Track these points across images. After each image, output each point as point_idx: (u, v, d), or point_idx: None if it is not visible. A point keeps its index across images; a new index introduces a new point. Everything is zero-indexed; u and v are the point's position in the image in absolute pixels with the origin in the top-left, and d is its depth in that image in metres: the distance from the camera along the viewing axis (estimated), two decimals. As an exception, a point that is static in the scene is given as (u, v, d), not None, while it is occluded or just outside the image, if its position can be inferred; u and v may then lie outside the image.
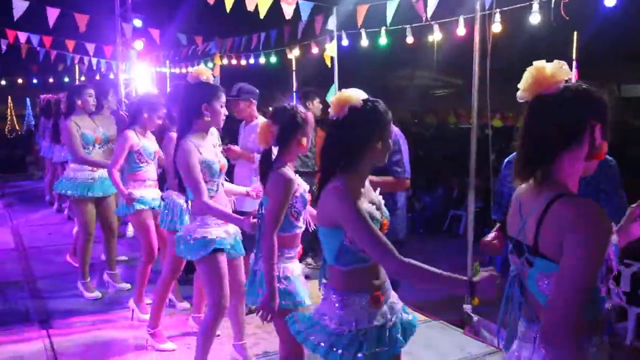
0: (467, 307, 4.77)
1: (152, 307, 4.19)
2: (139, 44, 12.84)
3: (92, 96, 5.17)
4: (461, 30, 5.24)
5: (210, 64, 9.27)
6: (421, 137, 15.76)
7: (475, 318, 4.67)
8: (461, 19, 5.25)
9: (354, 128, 2.18)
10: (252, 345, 4.03)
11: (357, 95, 2.22)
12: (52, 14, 7.03)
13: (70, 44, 10.18)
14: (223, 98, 3.35)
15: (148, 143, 4.55)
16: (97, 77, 14.92)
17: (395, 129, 3.71)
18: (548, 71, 1.74)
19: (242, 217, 3.11)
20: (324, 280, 2.37)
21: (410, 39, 5.72)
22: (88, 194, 5.13)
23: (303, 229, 2.99)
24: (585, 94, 1.73)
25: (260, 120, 3.12)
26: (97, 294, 5.20)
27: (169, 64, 11.57)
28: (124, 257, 6.30)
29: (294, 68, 7.40)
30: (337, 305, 2.22)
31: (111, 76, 13.96)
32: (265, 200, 2.86)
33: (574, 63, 4.62)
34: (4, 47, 9.93)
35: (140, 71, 12.64)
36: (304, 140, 2.88)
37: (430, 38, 5.92)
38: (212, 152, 3.41)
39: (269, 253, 2.73)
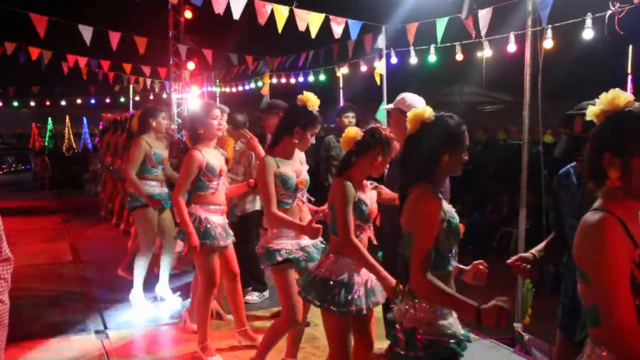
0: (518, 326, 4.68)
1: (197, 321, 4.29)
2: (190, 65, 13.33)
3: (165, 119, 5.42)
4: (512, 47, 5.21)
5: (260, 83, 9.47)
6: (470, 153, 15.52)
7: (527, 337, 4.58)
8: (512, 36, 5.22)
9: (426, 142, 2.32)
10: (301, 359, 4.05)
11: (430, 111, 2.37)
12: (114, 37, 7.35)
13: (128, 66, 10.60)
14: (316, 129, 3.52)
15: (213, 159, 4.19)
16: (151, 97, 15.41)
17: None
18: (621, 101, 1.78)
19: (304, 225, 3.33)
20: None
21: (459, 56, 5.72)
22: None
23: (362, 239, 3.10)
24: None
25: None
26: (150, 305, 5.34)
27: (219, 83, 11.86)
28: (175, 270, 6.44)
29: (341, 86, 7.49)
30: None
31: (164, 96, 14.47)
32: (330, 205, 3.03)
33: (630, 77, 4.54)
34: (65, 70, 10.43)
35: (192, 91, 13.09)
36: (379, 158, 3.01)
37: (480, 54, 5.90)
38: (293, 168, 3.56)
39: (361, 254, 2.89)
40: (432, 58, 5.79)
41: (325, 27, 5.60)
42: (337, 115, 5.62)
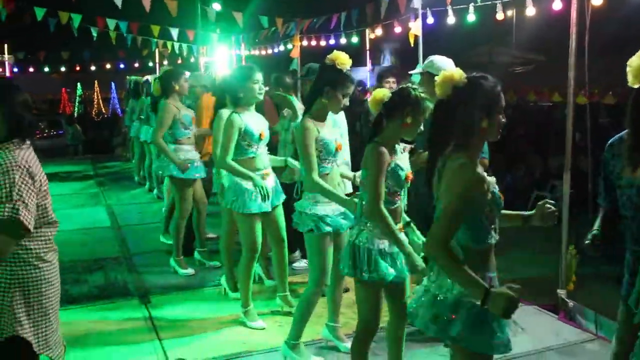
0: (562, 292, 4.62)
1: (239, 286, 4.33)
2: (217, 28, 13.19)
3: (187, 81, 5.39)
4: (557, 4, 4.99)
5: (289, 45, 9.32)
6: (506, 116, 15.15)
7: (571, 303, 4.52)
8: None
9: (460, 108, 2.18)
10: (342, 324, 4.07)
11: (459, 74, 2.21)
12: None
13: (156, 29, 10.53)
14: (347, 90, 3.39)
15: (253, 123, 4.09)
16: (179, 62, 15.36)
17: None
18: None
19: (346, 198, 3.26)
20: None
21: (500, 15, 5.51)
22: (195, 175, 5.31)
23: (398, 205, 3.01)
24: None
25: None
26: (190, 270, 5.41)
27: (244, 46, 11.73)
28: (212, 235, 6.50)
29: (367, 47, 7.22)
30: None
31: (192, 59, 14.42)
32: (363, 172, 2.93)
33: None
34: (94, 35, 10.41)
35: (219, 54, 12.99)
36: (409, 120, 2.87)
37: (510, 13, 5.66)
38: (330, 132, 3.48)
39: (388, 225, 2.81)
40: (471, 17, 5.58)
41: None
42: (377, 80, 5.49)
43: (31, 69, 19.99)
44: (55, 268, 2.54)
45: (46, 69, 19.58)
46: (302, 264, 5.40)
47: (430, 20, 5.80)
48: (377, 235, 2.89)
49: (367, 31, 7.17)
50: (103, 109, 26.78)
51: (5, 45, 20.57)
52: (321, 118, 3.45)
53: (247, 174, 3.99)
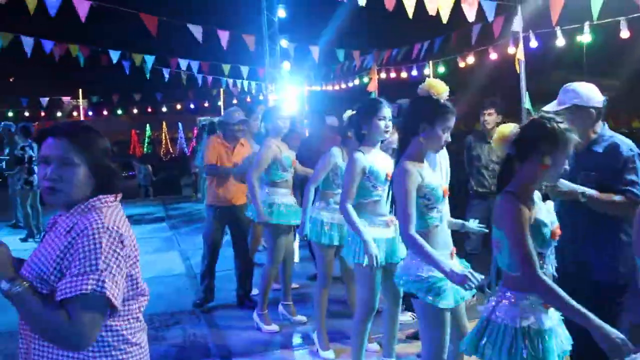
0: None
1: (352, 349, 3.80)
2: (286, 64, 13.03)
3: (256, 120, 5.14)
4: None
5: (365, 79, 8.91)
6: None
7: None
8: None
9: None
10: None
11: (509, 129, 2.34)
12: (224, 36, 7.13)
13: (227, 68, 10.43)
14: (448, 123, 2.84)
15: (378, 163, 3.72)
16: (248, 100, 15.32)
17: (622, 140, 2.94)
18: None
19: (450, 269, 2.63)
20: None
21: (625, 33, 4.85)
22: (291, 222, 4.86)
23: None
24: None
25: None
26: (274, 327, 4.90)
27: (320, 81, 11.47)
28: (294, 285, 6.02)
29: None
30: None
31: (260, 97, 14.28)
32: (495, 232, 2.36)
33: None
34: (166, 76, 10.42)
35: (289, 91, 12.79)
36: (547, 160, 2.27)
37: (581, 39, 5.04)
38: (433, 175, 2.94)
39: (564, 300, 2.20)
40: (585, 38, 4.95)
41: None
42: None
43: (105, 112, 20.51)
44: (146, 352, 2.07)
45: (119, 112, 20.03)
46: (407, 317, 4.82)
47: (533, 43, 5.21)
48: (525, 310, 2.26)
49: (459, 59, 6.62)
50: (171, 149, 27.27)
51: (80, 90, 21.26)
52: (420, 159, 2.88)
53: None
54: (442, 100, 2.82)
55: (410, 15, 4.62)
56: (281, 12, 11.55)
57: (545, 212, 2.35)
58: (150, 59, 9.70)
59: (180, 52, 10.28)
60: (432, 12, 4.67)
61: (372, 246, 3.36)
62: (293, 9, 11.18)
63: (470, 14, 4.86)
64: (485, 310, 2.38)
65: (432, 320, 2.81)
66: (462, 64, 6.60)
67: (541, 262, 2.29)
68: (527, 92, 5.11)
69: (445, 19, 4.70)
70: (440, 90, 2.82)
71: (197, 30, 6.77)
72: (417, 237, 2.71)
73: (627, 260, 2.75)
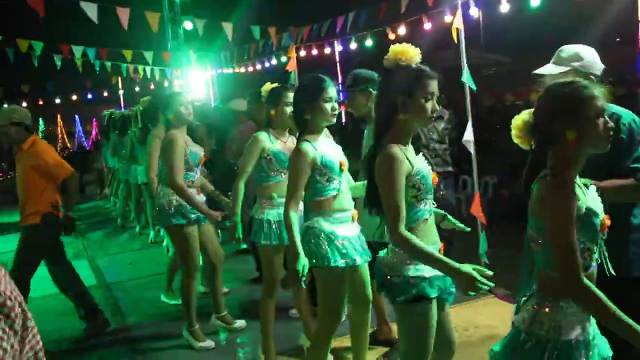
0: None
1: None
2: (191, 48, 12.19)
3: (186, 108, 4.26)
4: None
5: (284, 58, 8.30)
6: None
7: None
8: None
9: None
10: None
11: (523, 119, 1.99)
12: (124, 14, 6.27)
13: (128, 54, 9.46)
14: (430, 89, 2.36)
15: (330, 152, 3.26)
16: (152, 87, 14.27)
17: (621, 110, 2.61)
18: None
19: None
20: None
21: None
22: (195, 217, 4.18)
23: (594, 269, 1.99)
24: None
25: None
26: (209, 342, 4.27)
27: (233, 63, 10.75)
28: (224, 289, 5.40)
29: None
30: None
31: (166, 84, 13.30)
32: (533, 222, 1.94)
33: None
34: (59, 64, 9.30)
35: (197, 75, 11.99)
36: (570, 134, 1.85)
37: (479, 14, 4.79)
38: (422, 160, 2.49)
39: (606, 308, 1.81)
40: (534, 2, 4.59)
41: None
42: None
43: (-11, 107, 18.52)
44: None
45: (5, 105, 18.12)
46: None
47: (473, 11, 4.81)
48: (568, 323, 1.87)
49: (389, 31, 6.13)
50: (68, 144, 25.41)
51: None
52: (405, 141, 2.42)
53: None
54: (415, 66, 2.37)
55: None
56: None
57: (591, 199, 1.93)
58: (38, 45, 8.58)
59: (74, 36, 9.19)
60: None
61: (301, 260, 2.84)
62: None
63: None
64: (520, 319, 1.94)
65: (417, 326, 2.38)
66: (392, 36, 6.15)
67: (589, 259, 1.89)
68: (467, 67, 4.73)
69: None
70: (410, 54, 2.38)
71: (91, 9, 5.85)
72: (409, 235, 2.26)
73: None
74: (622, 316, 1.74)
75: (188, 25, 10.83)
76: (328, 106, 3.00)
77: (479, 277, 2.09)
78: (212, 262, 4.48)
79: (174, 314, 4.85)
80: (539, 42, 8.66)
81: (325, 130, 3.21)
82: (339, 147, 3.20)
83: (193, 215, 4.13)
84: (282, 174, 3.58)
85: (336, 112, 3.08)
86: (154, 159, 4.74)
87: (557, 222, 1.79)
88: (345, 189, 3.05)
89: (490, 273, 2.11)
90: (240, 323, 4.55)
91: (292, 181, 2.95)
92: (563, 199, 1.79)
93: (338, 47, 7.24)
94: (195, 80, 11.96)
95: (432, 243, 2.38)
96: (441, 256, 2.24)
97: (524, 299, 1.94)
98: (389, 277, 2.37)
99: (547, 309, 1.86)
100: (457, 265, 2.15)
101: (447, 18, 5.03)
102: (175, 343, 4.32)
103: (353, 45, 6.83)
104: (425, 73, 2.35)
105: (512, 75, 15.20)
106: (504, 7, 4.76)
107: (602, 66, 2.68)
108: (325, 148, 3.03)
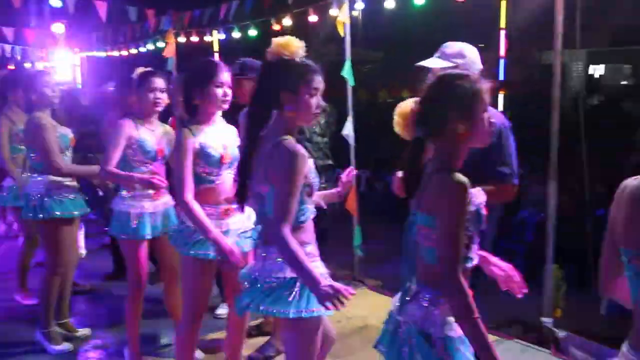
0: (547, 321, 3.97)
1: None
2: (59, 27, 11.37)
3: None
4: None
5: (161, 43, 7.90)
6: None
7: (563, 334, 3.86)
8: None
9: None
10: None
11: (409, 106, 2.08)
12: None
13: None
14: (316, 85, 2.28)
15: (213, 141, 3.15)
16: (11, 67, 13.13)
17: (495, 113, 2.74)
18: None
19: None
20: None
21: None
22: (74, 213, 3.88)
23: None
24: None
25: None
26: (66, 345, 3.93)
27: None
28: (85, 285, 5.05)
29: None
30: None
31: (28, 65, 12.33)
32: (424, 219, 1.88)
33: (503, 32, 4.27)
34: None
35: (64, 57, 11.25)
36: (460, 127, 1.83)
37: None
38: None
39: None
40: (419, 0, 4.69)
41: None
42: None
43: None
44: None
45: None
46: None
47: (360, 5, 4.82)
48: None
49: (273, 22, 6.01)
50: None
51: None
52: (294, 137, 2.32)
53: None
54: (298, 60, 2.28)
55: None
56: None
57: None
58: None
59: None
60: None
61: (224, 242, 2.77)
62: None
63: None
64: (401, 311, 1.91)
65: (307, 336, 2.26)
66: (276, 27, 6.03)
67: (472, 244, 1.87)
68: (349, 61, 4.76)
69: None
70: (294, 47, 2.28)
71: None
72: (289, 236, 2.12)
73: None
74: (481, 325, 1.73)
75: (56, 2, 10.09)
76: (219, 92, 2.89)
77: (343, 292, 1.96)
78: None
79: (29, 314, 4.37)
80: (409, 40, 8.99)
81: (220, 118, 3.08)
82: (234, 137, 3.06)
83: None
84: (147, 165, 3.42)
85: (228, 99, 2.96)
86: (4, 138, 4.48)
87: (452, 218, 1.75)
88: (224, 182, 2.94)
89: (350, 293, 1.97)
90: (84, 332, 4.19)
91: (179, 170, 2.82)
92: (461, 195, 1.75)
93: (220, 35, 7.03)
94: (62, 62, 11.21)
95: (312, 242, 2.31)
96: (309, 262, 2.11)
97: (409, 296, 1.90)
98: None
99: (437, 306, 1.83)
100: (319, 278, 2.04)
101: (333, 11, 5.02)
102: (29, 347, 3.92)
103: (236, 34, 6.66)
104: (309, 68, 2.27)
105: (386, 71, 15.77)
106: (389, 4, 4.82)
107: (481, 66, 2.74)
108: (208, 138, 2.91)
